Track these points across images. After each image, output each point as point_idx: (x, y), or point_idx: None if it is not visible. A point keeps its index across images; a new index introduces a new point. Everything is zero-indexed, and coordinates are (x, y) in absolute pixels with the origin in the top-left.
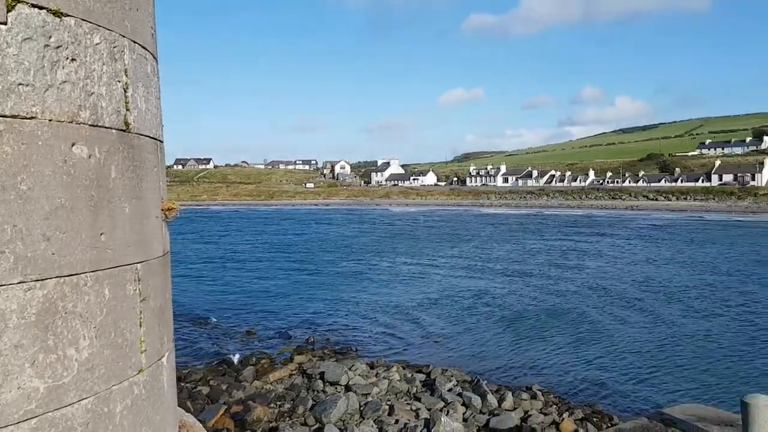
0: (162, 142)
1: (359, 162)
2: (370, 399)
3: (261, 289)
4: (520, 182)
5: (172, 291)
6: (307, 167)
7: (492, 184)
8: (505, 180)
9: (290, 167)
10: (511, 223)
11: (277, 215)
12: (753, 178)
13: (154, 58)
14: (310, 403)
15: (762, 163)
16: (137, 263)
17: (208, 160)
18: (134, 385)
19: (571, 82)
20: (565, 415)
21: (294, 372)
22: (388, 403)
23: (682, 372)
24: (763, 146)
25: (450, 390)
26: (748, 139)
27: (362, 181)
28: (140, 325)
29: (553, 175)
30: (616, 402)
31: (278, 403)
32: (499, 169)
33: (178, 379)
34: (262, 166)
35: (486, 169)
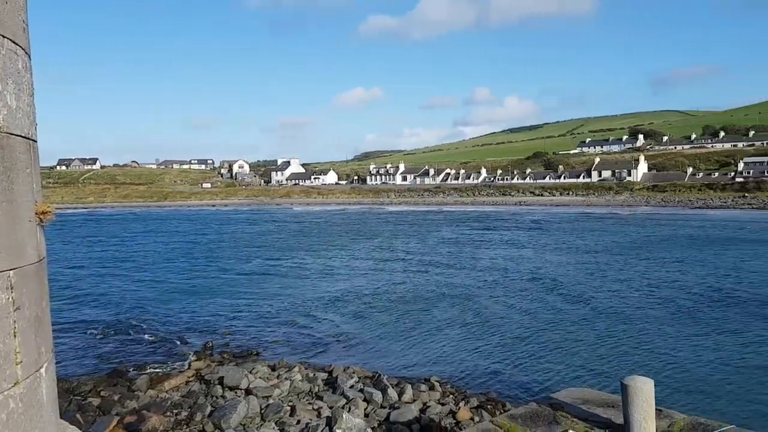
0: (35, 141)
1: (259, 161)
2: (271, 401)
3: (156, 294)
4: (418, 180)
5: (57, 298)
6: (203, 167)
7: (392, 182)
8: (404, 178)
9: (185, 167)
10: (412, 220)
11: (172, 217)
12: (629, 174)
13: (27, 53)
14: (209, 409)
15: (637, 160)
16: (9, 270)
17: (95, 160)
18: (9, 398)
19: (465, 84)
20: (462, 404)
21: (191, 379)
22: (290, 404)
23: (568, 357)
24: (637, 144)
25: (352, 387)
26: (624, 138)
27: (262, 181)
28: (14, 336)
29: (449, 174)
30: (509, 389)
31: (175, 411)
32: (398, 167)
33: (66, 391)
34: (155, 166)
35: (385, 167)
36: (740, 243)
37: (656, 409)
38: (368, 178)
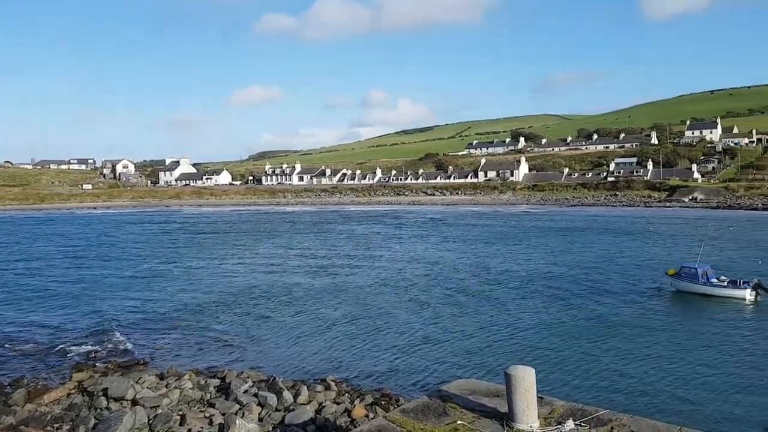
0: None
1: (145, 161)
2: (159, 411)
3: (35, 301)
4: (315, 181)
5: None
6: (83, 167)
7: (288, 182)
8: (301, 178)
9: (63, 167)
10: (310, 220)
11: (51, 220)
12: (512, 174)
13: None
14: (92, 422)
15: (519, 161)
16: None
17: None
18: None
19: (361, 86)
20: (357, 401)
21: (73, 391)
22: (180, 413)
23: (459, 349)
24: (519, 146)
25: (246, 392)
26: (507, 140)
27: (149, 182)
28: None
29: (345, 174)
30: (403, 384)
31: (56, 425)
32: (294, 167)
33: None
34: (30, 167)
35: (282, 168)
36: (609, 235)
37: (538, 397)
38: (264, 178)
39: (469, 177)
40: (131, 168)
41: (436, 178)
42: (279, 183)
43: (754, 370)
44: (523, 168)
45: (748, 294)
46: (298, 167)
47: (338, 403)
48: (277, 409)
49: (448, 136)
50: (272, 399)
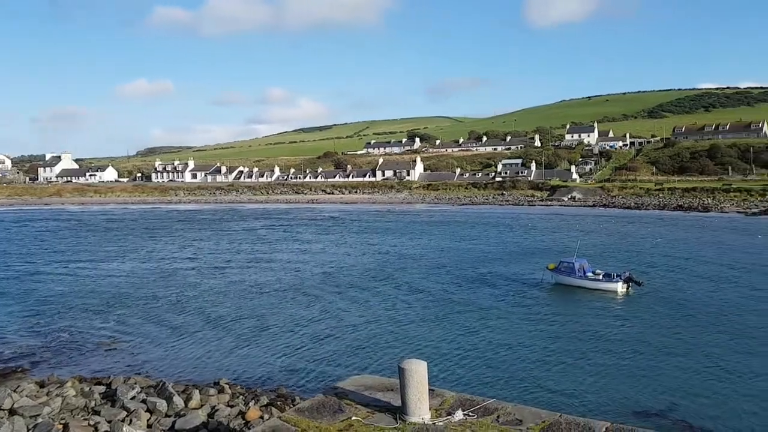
0: None
1: (23, 156)
2: (40, 420)
3: None
4: (209, 178)
5: None
6: None
7: (180, 180)
8: (194, 176)
9: None
10: (204, 218)
11: None
12: (408, 174)
13: None
14: None
15: (414, 161)
16: None
17: None
18: None
19: (259, 83)
20: (251, 403)
21: None
22: (63, 421)
23: (355, 345)
24: (415, 146)
25: (133, 398)
26: (403, 140)
27: (27, 178)
28: None
29: (242, 171)
30: (300, 382)
31: None
32: (187, 164)
33: None
34: None
35: (173, 164)
36: (495, 232)
37: (429, 389)
38: (154, 175)
39: (367, 176)
40: (8, 164)
41: (335, 177)
42: (170, 180)
43: (623, 358)
44: (419, 168)
45: (620, 287)
46: (192, 164)
47: (232, 406)
48: (167, 415)
49: (347, 135)
50: (162, 404)
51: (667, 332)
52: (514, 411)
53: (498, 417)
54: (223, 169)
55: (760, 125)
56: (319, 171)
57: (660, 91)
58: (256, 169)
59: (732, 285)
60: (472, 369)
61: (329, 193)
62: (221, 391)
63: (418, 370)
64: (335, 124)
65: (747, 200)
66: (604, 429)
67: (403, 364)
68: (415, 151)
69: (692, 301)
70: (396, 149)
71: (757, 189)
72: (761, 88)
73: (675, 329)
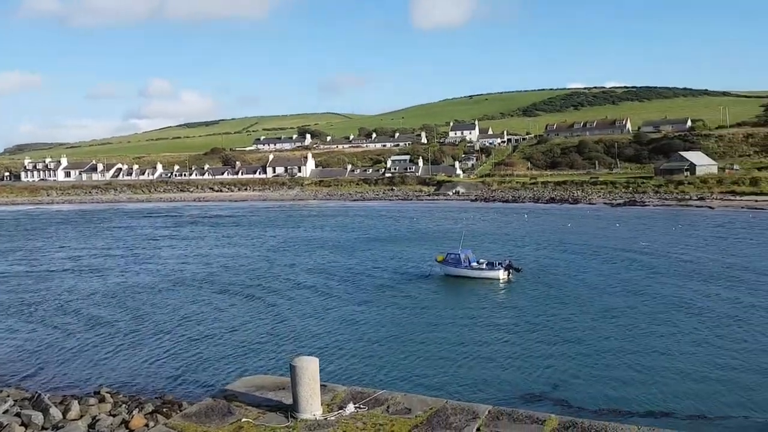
0: None
1: None
2: None
3: None
4: (85, 176)
5: None
6: None
7: (52, 178)
8: (68, 174)
9: None
10: (79, 219)
11: None
12: (300, 170)
13: None
14: None
15: (306, 158)
16: None
17: None
18: None
19: (139, 76)
20: (135, 411)
21: None
22: None
23: (245, 345)
24: (306, 143)
25: (6, 411)
26: (294, 137)
27: None
28: None
29: (120, 169)
30: (186, 387)
31: None
32: (59, 162)
33: None
34: None
35: (44, 162)
36: (385, 223)
37: (321, 385)
38: (23, 174)
39: (257, 173)
40: None
41: (223, 174)
42: (42, 179)
43: (505, 343)
44: (310, 164)
45: (502, 274)
46: (65, 161)
47: (114, 415)
48: (43, 428)
49: (234, 130)
50: (38, 417)
51: (544, 315)
52: (404, 400)
53: (388, 407)
54: (100, 167)
55: (624, 122)
56: (205, 168)
57: (534, 90)
58: (136, 167)
59: (595, 269)
60: (365, 362)
61: (217, 191)
62: (102, 400)
63: (309, 367)
64: (222, 120)
65: (612, 192)
66: (486, 412)
67: (294, 361)
68: (307, 148)
69: (563, 284)
70: (287, 145)
71: (621, 182)
72: (624, 87)
73: (551, 312)
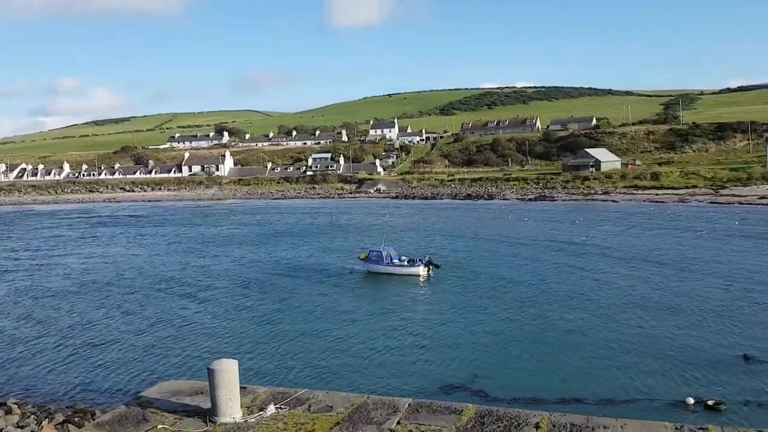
0: None
1: None
2: None
3: None
4: None
5: None
6: None
7: None
8: None
9: None
10: None
11: None
12: (217, 169)
13: None
14: None
15: (224, 156)
16: None
17: None
18: None
19: (46, 72)
20: (45, 422)
21: None
22: None
23: (161, 351)
24: (223, 141)
25: None
26: (211, 134)
27: None
28: None
29: (25, 169)
30: (100, 396)
31: None
32: None
33: None
34: None
35: None
36: (308, 222)
37: (241, 387)
38: None
39: (172, 172)
40: None
41: (135, 173)
42: None
43: (425, 336)
44: (229, 162)
45: (422, 270)
46: None
47: (22, 427)
48: None
49: (147, 128)
50: None
51: (462, 308)
52: (325, 398)
53: (309, 406)
54: (2, 167)
55: (534, 121)
56: (116, 167)
57: (450, 90)
58: (41, 167)
59: (507, 262)
60: (286, 361)
61: (129, 191)
62: (9, 411)
63: (228, 370)
64: (133, 117)
65: (524, 188)
66: (407, 405)
67: (213, 364)
68: (224, 146)
69: (479, 278)
70: (203, 143)
71: (532, 178)
72: (534, 87)
73: (468, 305)
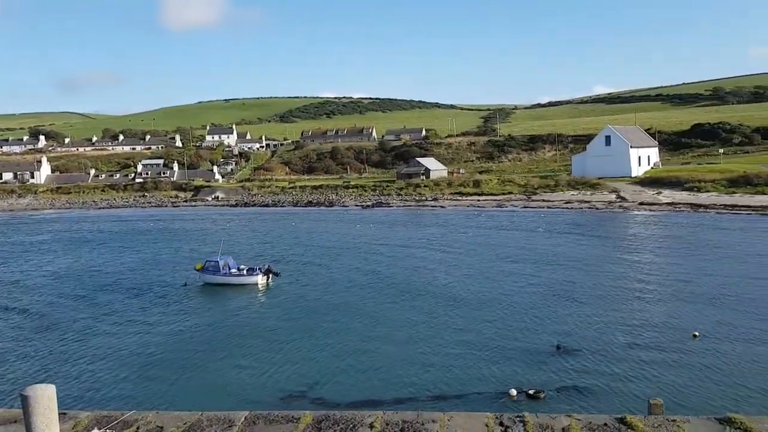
0: None
1: None
2: None
3: None
4: None
5: None
6: None
7: None
8: None
9: None
10: None
11: None
12: (32, 176)
13: None
14: None
15: (40, 162)
16: None
17: None
18: None
19: None
20: None
21: None
22: None
23: None
24: (39, 145)
25: None
26: (25, 138)
27: None
28: None
29: None
30: None
31: None
32: None
33: None
34: None
35: None
36: (137, 236)
37: (60, 413)
38: None
39: None
40: None
41: None
42: None
43: (263, 347)
44: (45, 169)
45: (260, 279)
46: None
47: None
48: None
49: None
50: None
51: (300, 317)
52: (155, 419)
53: (138, 428)
54: None
55: (371, 130)
56: None
57: (290, 97)
58: None
59: (343, 268)
60: (112, 383)
61: None
62: None
63: (44, 395)
64: None
65: (362, 195)
66: (243, 418)
67: (27, 391)
68: (41, 151)
69: (317, 285)
70: (16, 148)
71: (370, 185)
72: (369, 98)
73: (306, 313)
